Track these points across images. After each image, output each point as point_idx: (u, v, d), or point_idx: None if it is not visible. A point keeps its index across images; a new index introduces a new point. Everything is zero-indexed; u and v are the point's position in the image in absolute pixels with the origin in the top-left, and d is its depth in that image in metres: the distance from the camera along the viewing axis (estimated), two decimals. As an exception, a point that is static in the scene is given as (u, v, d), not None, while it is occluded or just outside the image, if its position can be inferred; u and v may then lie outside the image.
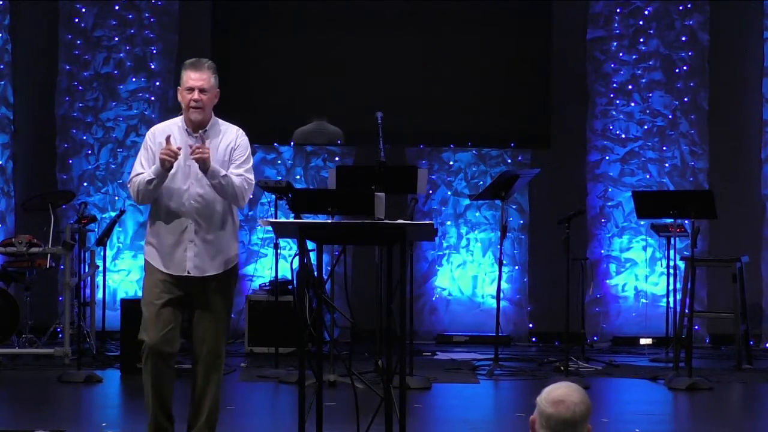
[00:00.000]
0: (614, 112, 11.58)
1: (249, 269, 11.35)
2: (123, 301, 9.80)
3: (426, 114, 11.51)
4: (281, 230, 6.51)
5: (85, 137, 11.47)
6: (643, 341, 11.28)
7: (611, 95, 11.58)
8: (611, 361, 10.24)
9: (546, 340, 11.42)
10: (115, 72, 11.49)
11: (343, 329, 10.93)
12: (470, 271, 11.60)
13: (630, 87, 11.56)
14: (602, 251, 11.52)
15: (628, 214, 11.36)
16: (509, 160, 11.64)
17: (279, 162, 11.60)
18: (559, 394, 3.64)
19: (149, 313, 6.06)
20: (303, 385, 5.86)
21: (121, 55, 11.49)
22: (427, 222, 7.20)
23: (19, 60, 11.41)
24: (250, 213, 11.49)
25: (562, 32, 11.63)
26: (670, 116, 11.55)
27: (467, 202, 11.52)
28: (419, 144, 11.62)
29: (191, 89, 6.07)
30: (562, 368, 9.48)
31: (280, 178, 11.27)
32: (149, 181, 6.01)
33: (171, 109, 10.83)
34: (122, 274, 11.41)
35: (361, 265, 9.84)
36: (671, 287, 10.70)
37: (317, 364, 6.09)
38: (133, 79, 11.49)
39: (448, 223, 11.60)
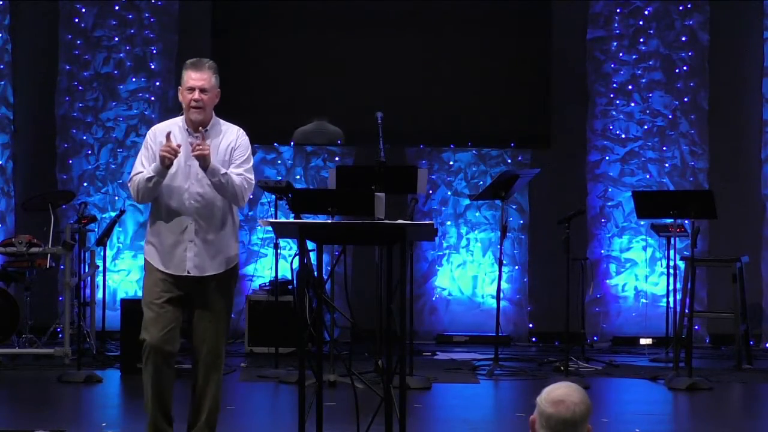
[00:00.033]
0: (614, 112, 11.58)
1: (249, 269, 11.35)
2: (123, 301, 9.80)
3: (426, 114, 11.51)
4: (281, 230, 6.51)
5: (85, 137, 11.47)
6: (643, 341, 11.28)
7: (611, 95, 11.58)
8: (611, 361, 10.24)
9: (546, 340, 11.42)
10: (115, 72, 11.49)
11: (343, 329, 10.93)
12: (470, 271, 11.60)
13: (630, 87, 11.56)
14: (602, 251, 11.52)
15: (628, 214, 11.36)
16: (509, 160, 11.64)
17: (279, 162, 11.60)
18: (559, 394, 3.64)
19: (150, 312, 6.06)
20: (303, 385, 5.86)
21: (121, 55, 11.49)
22: (427, 222, 7.20)
23: (19, 60, 11.41)
24: (250, 213, 11.49)
25: (562, 32, 11.63)
26: (670, 116, 11.55)
27: (467, 202, 11.52)
28: (419, 144, 11.62)
29: (192, 89, 6.06)
30: (562, 368, 9.48)
31: (280, 178, 11.27)
32: (149, 179, 6.01)
33: (171, 109, 10.83)
34: (122, 274, 11.41)
35: (361, 265, 9.84)
36: (671, 287, 10.70)
37: (317, 364, 6.09)
38: (133, 79, 11.49)
39: (448, 223, 11.60)
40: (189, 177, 6.07)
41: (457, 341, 11.39)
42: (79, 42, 11.45)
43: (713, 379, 9.22)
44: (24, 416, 7.85)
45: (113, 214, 10.90)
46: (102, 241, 10.25)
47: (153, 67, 11.50)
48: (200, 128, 6.04)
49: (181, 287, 6.07)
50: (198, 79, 6.06)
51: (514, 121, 11.67)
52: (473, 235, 11.60)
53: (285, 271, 9.83)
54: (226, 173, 6.02)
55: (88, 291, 10.48)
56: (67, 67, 11.45)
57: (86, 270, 10.25)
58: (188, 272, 6.05)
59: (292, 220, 7.91)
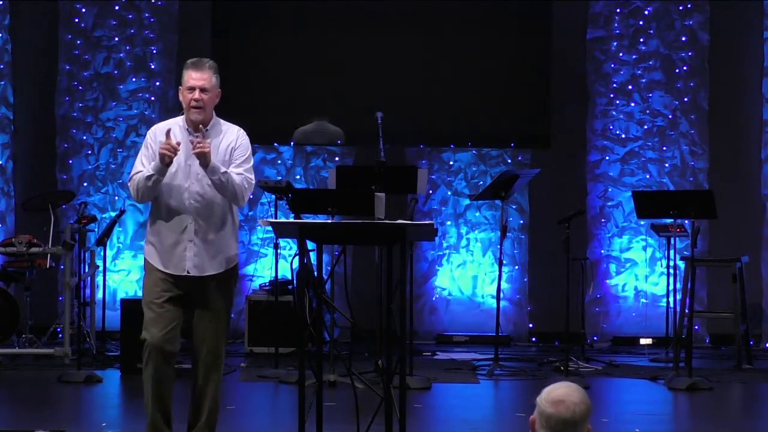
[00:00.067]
0: (614, 112, 11.59)
1: (249, 269, 11.35)
2: (123, 301, 9.80)
3: (426, 114, 11.51)
4: (281, 230, 6.51)
5: (85, 137, 11.48)
6: (643, 341, 11.28)
7: (611, 95, 11.58)
8: (611, 361, 10.24)
9: (546, 340, 11.42)
10: (115, 72, 11.49)
11: (343, 329, 10.93)
12: (470, 271, 11.60)
13: (630, 87, 11.56)
14: (602, 251, 11.52)
15: (628, 214, 11.36)
16: (509, 160, 11.64)
17: (279, 162, 11.60)
18: (559, 394, 3.64)
19: (150, 312, 6.06)
20: (303, 385, 5.86)
21: (121, 55, 11.49)
22: (427, 222, 7.20)
23: (19, 60, 11.41)
24: (250, 213, 11.49)
25: (562, 32, 11.63)
26: (670, 116, 11.55)
27: (467, 202, 11.52)
28: (419, 144, 11.62)
29: (192, 89, 6.06)
30: (562, 368, 9.48)
31: (280, 178, 11.27)
32: (148, 177, 6.01)
33: (171, 109, 10.83)
34: (122, 274, 11.41)
35: (361, 265, 9.84)
36: (671, 287, 10.70)
37: (317, 364, 6.09)
38: (133, 79, 11.49)
39: (448, 223, 11.60)
40: (189, 176, 6.07)
41: (457, 341, 11.39)
42: (79, 42, 11.45)
43: (713, 379, 9.22)
44: (24, 416, 7.85)
45: (113, 214, 10.90)
46: (102, 241, 10.25)
47: (153, 67, 11.50)
48: (201, 126, 6.04)
49: (180, 287, 6.07)
50: (198, 78, 6.06)
51: (514, 121, 11.67)
52: (473, 235, 11.60)
53: (285, 271, 9.83)
54: (226, 172, 6.02)
55: (88, 291, 10.48)
56: (67, 67, 11.46)
57: (86, 270, 10.25)
58: (187, 272, 6.05)
59: (292, 220, 7.91)
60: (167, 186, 6.05)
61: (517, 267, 11.56)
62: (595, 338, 11.40)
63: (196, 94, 6.05)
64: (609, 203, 11.56)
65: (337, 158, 11.58)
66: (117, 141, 11.48)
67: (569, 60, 11.66)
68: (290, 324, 9.71)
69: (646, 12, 11.55)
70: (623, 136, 11.56)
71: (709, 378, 9.19)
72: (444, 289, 11.59)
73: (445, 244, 11.58)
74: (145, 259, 6.19)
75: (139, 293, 8.14)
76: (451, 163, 11.65)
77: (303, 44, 11.53)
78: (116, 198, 11.40)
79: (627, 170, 11.56)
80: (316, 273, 5.97)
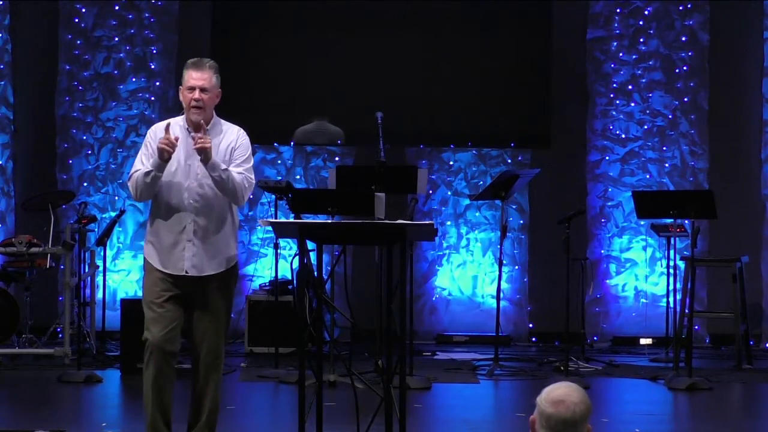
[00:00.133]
0: (614, 112, 11.59)
1: (249, 269, 11.35)
2: (123, 301, 9.80)
3: (426, 114, 11.51)
4: (281, 230, 6.51)
5: (85, 137, 11.48)
6: (643, 341, 11.28)
7: (611, 95, 11.58)
8: (611, 361, 10.24)
9: (546, 340, 11.42)
10: (115, 72, 11.49)
11: (343, 329, 10.93)
12: (470, 271, 11.60)
13: (630, 87, 11.56)
14: (602, 251, 11.52)
15: (628, 214, 11.36)
16: (509, 160, 11.64)
17: (279, 162, 11.60)
18: (559, 394, 3.64)
19: (150, 312, 6.05)
20: (303, 385, 5.86)
21: (121, 55, 11.49)
22: (427, 222, 7.20)
23: (19, 60, 11.41)
24: (250, 213, 11.49)
25: (562, 32, 11.63)
26: (670, 116, 11.55)
27: (467, 202, 11.52)
28: (419, 144, 11.62)
29: (192, 88, 6.06)
30: (562, 368, 9.48)
31: (280, 178, 11.27)
32: (147, 174, 6.00)
33: (171, 109, 10.83)
34: (122, 274, 11.41)
35: (361, 265, 9.84)
36: (671, 287, 10.70)
37: (317, 364, 6.09)
38: (133, 79, 11.50)
39: (448, 223, 11.60)
40: (189, 176, 6.06)
41: (457, 341, 11.39)
42: (79, 42, 11.45)
43: (713, 379, 9.22)
44: (24, 416, 7.85)
45: (113, 214, 10.90)
46: (102, 241, 10.25)
47: (153, 67, 11.50)
48: (202, 123, 6.03)
49: (180, 287, 6.07)
50: (198, 78, 6.06)
51: (514, 121, 11.67)
52: (473, 235, 11.60)
53: (285, 271, 9.83)
54: (226, 169, 6.02)
55: (88, 291, 10.48)
56: (67, 67, 11.46)
57: (86, 270, 10.25)
58: (186, 272, 6.04)
59: (292, 220, 7.91)
60: (167, 185, 6.05)
61: (517, 267, 11.56)
62: (595, 338, 11.40)
63: (196, 94, 6.05)
64: (609, 203, 11.56)
65: (337, 158, 11.58)
66: (117, 141, 11.48)
67: (569, 60, 11.66)
68: (290, 324, 9.71)
69: (646, 12, 11.55)
70: (623, 136, 11.56)
71: (709, 378, 9.19)
72: (444, 289, 11.59)
73: (445, 244, 11.58)
74: (144, 258, 6.19)
75: (139, 293, 8.14)
76: (451, 163, 11.65)
77: (303, 44, 11.53)
78: (116, 198, 11.40)
79: (627, 170, 11.56)
80: (316, 273, 5.97)
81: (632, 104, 11.56)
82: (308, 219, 8.62)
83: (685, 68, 11.53)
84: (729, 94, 11.58)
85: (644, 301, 11.44)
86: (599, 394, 8.82)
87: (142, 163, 6.07)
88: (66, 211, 10.97)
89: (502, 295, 9.97)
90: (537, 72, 11.60)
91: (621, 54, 11.56)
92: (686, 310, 9.60)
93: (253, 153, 6.37)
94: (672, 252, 10.67)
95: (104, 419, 7.75)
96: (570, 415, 3.60)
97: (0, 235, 10.98)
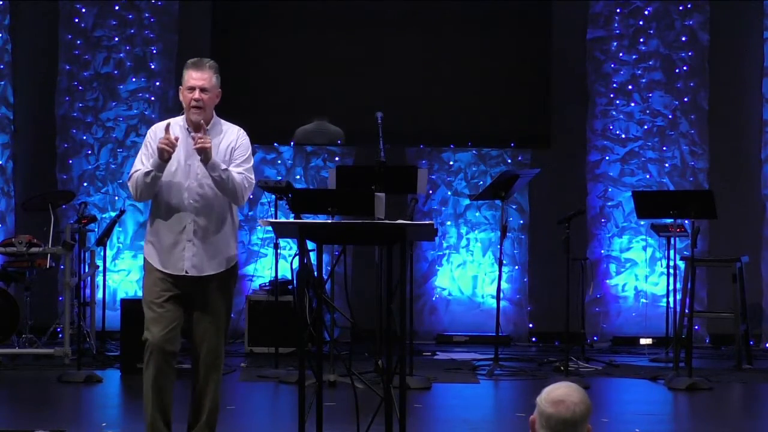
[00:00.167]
0: (614, 112, 11.59)
1: (249, 269, 11.35)
2: (123, 301, 9.80)
3: (426, 114, 11.51)
4: (281, 230, 6.51)
5: (85, 137, 11.48)
6: (643, 341, 11.28)
7: (611, 95, 11.58)
8: (611, 361, 10.24)
9: (546, 340, 11.42)
10: (115, 72, 11.49)
11: (343, 329, 10.92)
12: (470, 271, 11.60)
13: (630, 87, 11.57)
14: (602, 251, 11.52)
15: (628, 214, 11.36)
16: (509, 160, 11.64)
17: (279, 162, 11.60)
18: (559, 394, 3.64)
19: (150, 312, 6.05)
20: (303, 385, 5.86)
21: (121, 55, 11.49)
22: (427, 222, 7.20)
23: (19, 60, 11.41)
24: (250, 213, 11.49)
25: (562, 32, 11.63)
26: (670, 116, 11.55)
27: (467, 202, 11.52)
28: (419, 144, 11.62)
29: (192, 88, 6.06)
30: (562, 368, 9.48)
31: (280, 178, 11.27)
32: (147, 173, 6.00)
33: (171, 109, 10.83)
34: (122, 274, 11.41)
35: (361, 265, 9.85)
36: (671, 287, 10.70)
37: (317, 364, 6.09)
38: (133, 79, 11.50)
39: (448, 223, 11.60)
40: (189, 176, 6.06)
41: (457, 341, 11.39)
42: (79, 42, 11.45)
43: (713, 379, 9.22)
44: (24, 416, 7.85)
45: (113, 214, 10.90)
46: (102, 241, 10.25)
47: (153, 67, 11.50)
48: (202, 122, 6.03)
49: (180, 287, 6.07)
50: (198, 78, 6.06)
51: (514, 121, 11.67)
52: (473, 235, 11.60)
53: (285, 271, 9.83)
54: (226, 169, 6.02)
55: (88, 291, 10.48)
56: (67, 67, 11.46)
57: (86, 270, 10.25)
58: (186, 272, 6.04)
59: (292, 220, 7.91)
60: (167, 185, 6.05)
61: (517, 267, 11.56)
62: (595, 338, 11.40)
63: (196, 94, 6.05)
64: (609, 203, 11.56)
65: (337, 158, 11.58)
66: (117, 141, 11.48)
67: (569, 60, 11.66)
68: (290, 324, 9.71)
69: (646, 12, 11.55)
70: (623, 136, 11.56)
71: (709, 378, 9.19)
72: (444, 289, 11.59)
73: (445, 244, 11.58)
74: (144, 258, 6.19)
75: (139, 293, 8.14)
76: (451, 163, 11.65)
77: (303, 44, 11.53)
78: (116, 198, 11.40)
79: (627, 170, 11.56)
80: (316, 273, 5.97)
81: (632, 104, 11.56)
82: (308, 219, 8.62)
83: (685, 68, 11.54)
84: (729, 94, 11.58)
85: (644, 301, 11.44)
86: (599, 394, 8.82)
87: (142, 163, 6.07)
88: (66, 211, 10.97)
89: (502, 295, 9.97)
90: (537, 72, 11.60)
91: (621, 54, 11.56)
92: (686, 310, 9.60)
93: (253, 153, 6.37)
94: (672, 252, 10.67)
95: (104, 419, 7.75)
96: (570, 415, 3.60)
97: (0, 235, 10.98)
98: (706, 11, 11.54)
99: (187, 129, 6.11)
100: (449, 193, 11.63)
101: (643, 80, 11.55)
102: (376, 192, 7.87)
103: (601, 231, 11.55)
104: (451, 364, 10.11)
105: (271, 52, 11.59)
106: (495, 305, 9.94)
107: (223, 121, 6.21)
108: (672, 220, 9.90)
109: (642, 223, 11.24)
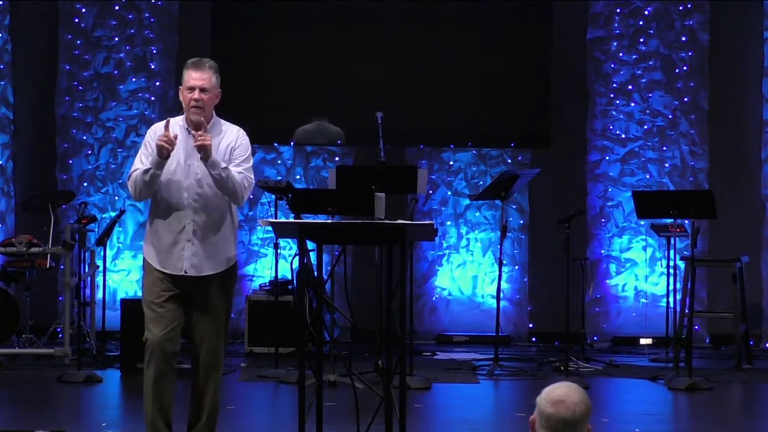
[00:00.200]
0: (614, 112, 11.59)
1: (249, 269, 11.35)
2: (123, 301, 9.80)
3: (426, 114, 11.51)
4: (281, 230, 6.51)
5: (85, 137, 11.48)
6: (643, 341, 11.28)
7: (611, 95, 11.59)
8: (611, 361, 10.24)
9: (546, 340, 11.42)
10: (115, 72, 11.50)
11: (343, 329, 10.92)
12: (470, 271, 11.60)
13: (630, 87, 11.57)
14: (602, 251, 11.52)
15: (628, 214, 11.36)
16: (509, 160, 11.64)
17: (279, 162, 11.60)
18: (559, 394, 3.64)
19: (150, 312, 6.05)
20: (303, 385, 5.86)
21: (121, 55, 11.49)
22: (427, 222, 7.20)
23: (19, 60, 11.41)
24: (250, 213, 11.49)
25: (562, 32, 11.63)
26: (670, 116, 11.55)
27: (467, 202, 11.52)
28: (419, 144, 11.62)
29: (192, 88, 6.05)
30: (562, 368, 9.48)
31: (280, 178, 11.27)
32: (146, 171, 5.99)
33: (171, 109, 10.83)
34: (122, 274, 11.41)
35: (361, 265, 9.85)
36: (671, 287, 10.70)
37: (317, 364, 6.09)
38: (133, 79, 11.50)
39: (448, 223, 11.60)
40: (189, 176, 6.06)
41: (457, 341, 11.39)
42: (79, 42, 11.45)
43: (713, 379, 9.22)
44: (24, 416, 7.85)
45: (113, 214, 10.90)
46: (102, 241, 10.25)
47: (153, 67, 11.50)
48: (202, 121, 6.02)
49: (179, 287, 6.06)
50: (198, 78, 6.05)
51: (514, 121, 11.67)
52: (473, 235, 11.60)
53: (285, 271, 9.83)
54: (226, 168, 6.01)
55: (88, 291, 10.48)
56: (67, 67, 11.46)
57: (86, 270, 10.25)
58: (185, 272, 6.04)
59: (292, 220, 7.91)
60: (166, 184, 6.04)
61: (517, 267, 11.56)
62: (595, 338, 11.40)
63: (196, 94, 6.04)
64: (609, 203, 11.56)
65: (337, 158, 11.58)
66: (117, 141, 11.48)
67: (569, 60, 11.66)
68: (290, 324, 9.71)
69: (646, 12, 11.55)
70: (623, 136, 11.56)
71: (709, 378, 9.19)
72: (444, 289, 11.59)
73: (445, 244, 11.58)
74: (144, 258, 6.18)
75: (139, 293, 8.13)
76: (451, 163, 11.65)
77: (303, 44, 11.53)
78: (116, 198, 11.40)
79: (627, 170, 11.56)
80: (316, 273, 5.97)
81: (632, 104, 11.56)
82: (308, 219, 8.62)
83: (685, 68, 11.54)
84: (729, 94, 11.58)
85: (644, 301, 11.44)
86: (599, 394, 8.82)
87: (142, 162, 6.07)
88: (66, 211, 10.97)
89: (502, 295, 9.97)
90: (537, 72, 11.60)
91: (621, 54, 11.56)
92: (686, 310, 9.60)
93: (253, 153, 6.37)
94: (672, 252, 10.67)
95: (104, 419, 7.75)
96: (570, 415, 3.60)
97: (0, 235, 10.98)
98: (706, 11, 11.54)
99: (187, 129, 6.11)
100: (449, 193, 11.63)
101: (643, 80, 11.55)
102: (376, 192, 7.87)
103: (601, 231, 11.55)
104: (451, 364, 10.11)
105: (271, 52, 11.59)
106: (495, 305, 9.94)
107: (222, 121, 6.21)
108: (672, 220, 9.90)
109: (642, 223, 11.24)
